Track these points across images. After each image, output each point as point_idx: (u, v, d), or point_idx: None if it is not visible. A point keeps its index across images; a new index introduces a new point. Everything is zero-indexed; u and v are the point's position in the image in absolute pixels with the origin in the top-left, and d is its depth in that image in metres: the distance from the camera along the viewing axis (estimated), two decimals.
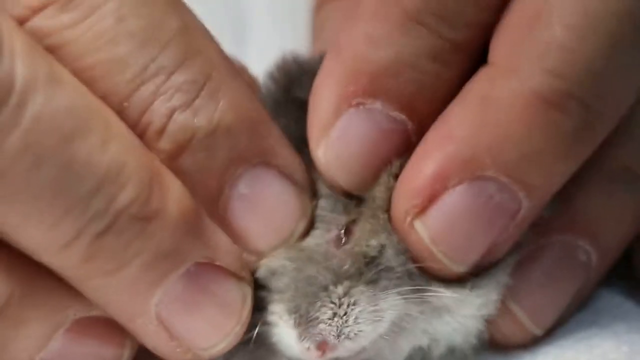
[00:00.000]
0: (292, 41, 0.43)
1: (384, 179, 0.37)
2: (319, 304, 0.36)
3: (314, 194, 0.37)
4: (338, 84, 0.36)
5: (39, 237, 0.32)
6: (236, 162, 0.35)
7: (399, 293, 0.36)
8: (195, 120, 0.34)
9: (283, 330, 0.37)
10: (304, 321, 0.36)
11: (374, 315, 0.36)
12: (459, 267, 0.36)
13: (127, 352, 0.36)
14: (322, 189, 0.38)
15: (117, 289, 0.33)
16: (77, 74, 0.33)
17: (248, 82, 0.38)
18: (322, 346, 0.36)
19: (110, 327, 0.35)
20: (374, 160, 0.37)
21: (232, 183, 0.35)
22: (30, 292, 0.33)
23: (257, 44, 0.61)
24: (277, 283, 0.37)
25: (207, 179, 0.35)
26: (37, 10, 0.33)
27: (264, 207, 0.36)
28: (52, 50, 0.32)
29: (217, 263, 0.34)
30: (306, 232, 0.37)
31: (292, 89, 0.40)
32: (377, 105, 0.36)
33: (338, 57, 0.36)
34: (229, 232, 0.36)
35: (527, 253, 0.38)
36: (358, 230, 0.37)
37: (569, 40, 0.34)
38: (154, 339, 0.35)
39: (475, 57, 0.36)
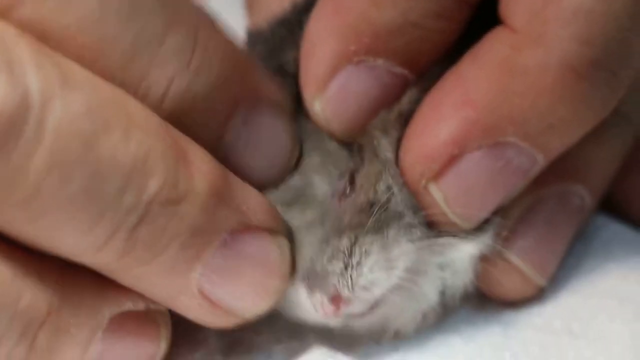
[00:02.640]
0: None
1: (383, 125, 0.37)
2: (327, 256, 0.35)
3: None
4: (337, 42, 0.36)
5: (75, 243, 0.31)
6: (233, 110, 0.35)
7: (409, 240, 0.36)
8: (196, 81, 0.33)
9: (293, 287, 0.36)
10: (314, 275, 0.35)
11: (387, 263, 0.36)
12: (469, 225, 0.37)
13: (163, 344, 0.36)
14: (317, 142, 0.37)
15: (157, 274, 0.33)
16: (74, 53, 0.32)
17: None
18: (336, 300, 0.35)
19: (144, 320, 0.35)
20: (375, 113, 0.37)
21: (230, 129, 0.35)
22: (67, 298, 0.33)
23: None
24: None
25: (209, 133, 0.35)
26: None
27: (258, 142, 0.36)
28: (42, 36, 0.32)
29: (252, 224, 0.34)
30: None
31: (273, 57, 0.39)
32: (379, 62, 0.36)
33: (337, 15, 0.36)
34: (234, 170, 0.35)
35: (526, 206, 0.39)
36: (361, 178, 0.37)
37: (595, 4, 0.34)
38: (198, 312, 0.35)
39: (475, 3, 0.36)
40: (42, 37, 0.32)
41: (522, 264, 0.38)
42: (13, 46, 0.30)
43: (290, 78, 0.38)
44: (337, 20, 0.36)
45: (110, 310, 0.34)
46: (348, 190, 0.37)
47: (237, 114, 0.35)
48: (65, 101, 0.30)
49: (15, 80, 0.29)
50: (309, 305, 0.36)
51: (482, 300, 0.40)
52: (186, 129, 0.34)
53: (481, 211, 0.36)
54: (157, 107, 0.33)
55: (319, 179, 0.37)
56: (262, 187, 0.36)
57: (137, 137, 0.31)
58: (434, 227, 0.37)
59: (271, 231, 0.35)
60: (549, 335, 0.38)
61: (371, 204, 0.36)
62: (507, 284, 0.39)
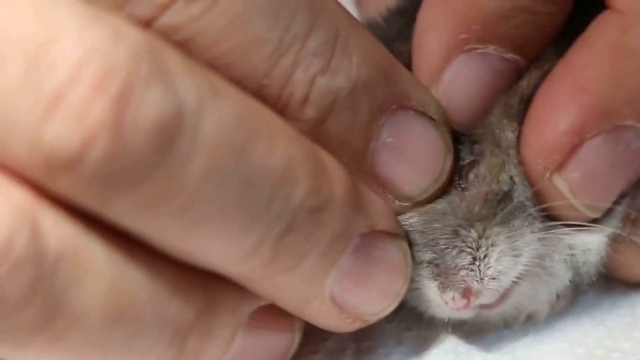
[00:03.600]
0: None
1: (501, 114, 0.37)
2: (455, 250, 0.36)
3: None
4: (448, 32, 0.36)
5: (225, 252, 0.32)
6: (377, 114, 0.35)
7: (532, 231, 0.36)
8: (336, 82, 0.33)
9: (422, 284, 0.37)
10: (443, 271, 0.36)
11: (513, 252, 0.36)
12: (596, 214, 0.37)
13: (297, 335, 0.37)
14: None
15: (294, 282, 0.33)
16: (212, 63, 0.32)
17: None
18: (467, 293, 0.36)
19: (279, 313, 0.35)
20: (489, 100, 0.37)
21: (376, 135, 0.35)
22: (212, 301, 0.33)
23: None
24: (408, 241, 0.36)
25: (353, 138, 0.34)
26: (166, 7, 0.31)
27: (410, 150, 0.36)
28: (184, 44, 0.32)
29: (378, 228, 0.34)
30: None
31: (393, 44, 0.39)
32: (490, 48, 0.36)
33: (446, 5, 0.36)
34: (380, 184, 0.36)
35: None
36: (483, 169, 0.37)
37: None
38: (325, 317, 0.35)
39: None
40: (185, 44, 0.32)
41: None
42: (165, 56, 0.30)
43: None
44: (446, 10, 0.36)
45: (249, 307, 0.35)
46: (472, 180, 0.37)
47: (383, 121, 0.35)
48: (217, 110, 0.30)
49: (170, 90, 0.29)
50: (440, 302, 0.36)
51: (609, 282, 0.40)
52: (330, 134, 0.34)
53: (607, 197, 0.37)
54: (300, 112, 0.33)
55: None
56: (411, 198, 0.36)
57: (281, 146, 0.32)
58: (555, 220, 0.37)
59: (394, 235, 0.36)
60: None
61: (495, 195, 0.37)
62: (634, 266, 0.39)
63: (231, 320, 0.34)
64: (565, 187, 0.36)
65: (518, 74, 0.37)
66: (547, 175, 0.36)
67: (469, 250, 0.36)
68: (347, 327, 0.36)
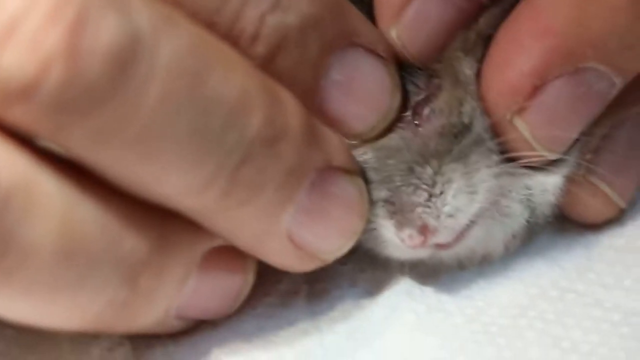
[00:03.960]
0: None
1: (459, 49, 0.37)
2: (411, 188, 0.35)
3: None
4: None
5: (180, 183, 0.31)
6: (327, 51, 0.34)
7: (489, 166, 0.36)
8: (286, 19, 0.33)
9: (378, 224, 0.36)
10: (399, 208, 0.35)
11: (469, 189, 0.36)
12: (554, 156, 0.37)
13: (250, 277, 0.36)
14: None
15: (252, 216, 0.33)
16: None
17: None
18: (424, 230, 0.35)
19: (232, 254, 0.35)
20: (450, 39, 0.37)
21: (325, 72, 0.35)
22: (165, 239, 0.33)
23: None
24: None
25: (302, 75, 0.34)
26: None
27: (358, 87, 0.35)
28: None
29: (334, 164, 0.34)
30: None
31: None
32: None
33: None
34: (328, 122, 0.35)
35: (605, 129, 0.39)
36: (441, 102, 0.36)
37: None
38: (282, 255, 0.35)
39: None
40: None
41: (605, 186, 0.38)
42: None
43: (364, 6, 0.38)
44: None
45: (202, 247, 0.34)
46: (427, 115, 0.37)
47: (332, 58, 0.35)
48: (172, 38, 0.30)
49: (125, 17, 0.29)
50: (397, 241, 0.36)
51: (564, 223, 0.40)
52: (280, 71, 0.33)
53: (566, 140, 0.36)
54: (250, 48, 0.33)
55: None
56: (359, 135, 0.36)
57: (236, 76, 0.31)
58: (514, 156, 0.37)
59: (350, 171, 0.35)
60: (632, 254, 0.39)
61: (452, 128, 0.36)
62: (590, 206, 0.39)
63: (185, 259, 0.34)
64: (526, 129, 0.36)
65: (480, 12, 0.37)
66: (509, 116, 0.36)
67: (425, 187, 0.35)
68: (303, 266, 0.36)
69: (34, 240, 0.29)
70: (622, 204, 0.39)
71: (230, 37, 0.32)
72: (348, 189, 0.35)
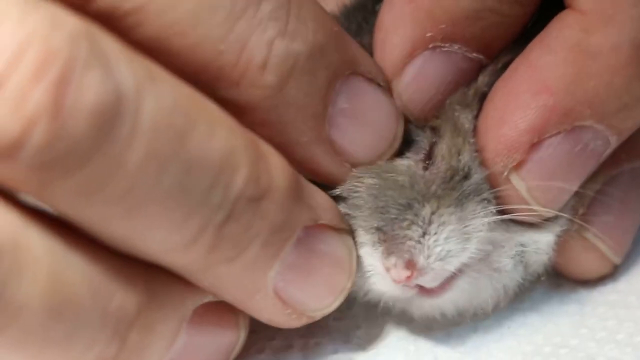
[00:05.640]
0: None
1: (458, 102, 0.37)
2: (406, 222, 0.35)
3: None
4: (413, 28, 0.36)
5: (164, 240, 0.31)
6: (333, 79, 0.34)
7: (484, 216, 0.36)
8: (294, 46, 0.33)
9: (365, 251, 0.36)
10: (390, 237, 0.35)
11: (462, 236, 0.36)
12: (550, 213, 0.37)
13: (243, 333, 0.36)
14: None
15: (238, 272, 0.33)
16: (165, 32, 0.31)
17: None
18: (410, 265, 0.35)
19: (224, 310, 0.35)
20: (450, 94, 0.37)
21: (333, 101, 0.35)
22: (155, 295, 0.33)
23: None
24: (359, 202, 0.36)
25: (312, 103, 0.34)
26: None
27: (365, 115, 0.36)
28: (134, 13, 0.31)
29: (321, 222, 0.34)
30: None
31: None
32: (456, 47, 0.36)
33: (411, 2, 0.36)
34: (337, 150, 0.35)
35: (598, 186, 0.39)
36: (443, 149, 0.37)
37: None
38: (270, 311, 0.35)
39: None
40: (134, 14, 0.31)
41: (599, 242, 0.38)
42: (102, 42, 0.30)
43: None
44: (411, 7, 0.36)
45: (193, 303, 0.34)
46: (429, 161, 0.37)
47: (339, 86, 0.34)
48: (156, 95, 0.30)
49: (109, 75, 0.29)
50: (381, 269, 0.36)
51: (558, 279, 0.40)
52: (289, 100, 0.33)
53: (561, 196, 0.37)
54: (260, 78, 0.32)
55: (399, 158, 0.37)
56: (367, 162, 0.36)
57: (221, 133, 0.31)
58: (510, 210, 0.37)
59: (339, 230, 0.35)
60: (624, 309, 0.39)
61: (453, 174, 0.36)
62: (585, 263, 0.39)
63: (174, 315, 0.34)
64: (522, 187, 0.36)
65: (479, 71, 0.37)
66: (505, 173, 0.36)
67: (420, 224, 0.36)
68: (292, 322, 0.35)
69: (22, 298, 0.29)
70: (617, 261, 0.39)
71: (238, 67, 0.32)
72: (336, 246, 0.35)
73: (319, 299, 0.35)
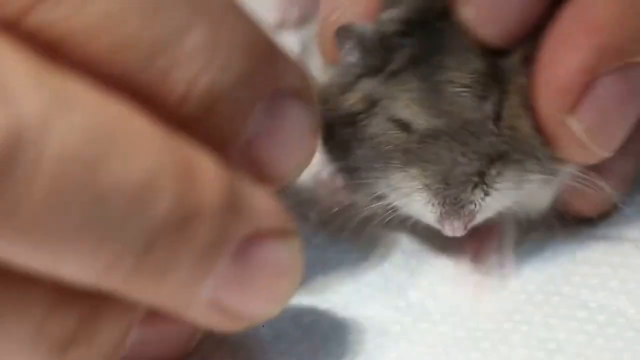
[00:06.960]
0: None
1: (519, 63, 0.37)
2: (471, 184, 0.36)
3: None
4: None
5: (78, 270, 0.29)
6: (256, 101, 0.33)
7: (539, 172, 0.37)
8: (218, 78, 0.31)
9: (417, 198, 0.37)
10: (451, 201, 0.36)
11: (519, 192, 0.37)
12: (608, 154, 0.37)
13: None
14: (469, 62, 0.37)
15: (165, 292, 0.31)
16: (85, 61, 0.30)
17: None
18: (468, 222, 0.36)
19: None
20: (526, 20, 0.36)
21: (253, 122, 0.33)
22: (96, 307, 0.31)
23: None
24: (425, 150, 0.36)
25: (232, 129, 0.32)
26: (35, 5, 0.29)
27: (285, 133, 0.34)
28: (58, 41, 0.29)
29: (261, 231, 0.32)
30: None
31: None
32: None
33: None
34: (257, 170, 0.33)
35: None
36: (508, 106, 0.37)
37: None
38: (208, 320, 0.33)
39: None
40: (55, 45, 0.30)
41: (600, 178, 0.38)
42: (9, 68, 0.28)
43: None
44: None
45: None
46: (497, 115, 0.37)
47: (261, 105, 0.33)
48: (64, 124, 0.28)
49: (9, 106, 0.27)
50: (436, 222, 0.37)
51: (551, 230, 0.40)
52: (209, 127, 0.32)
53: (619, 137, 0.36)
54: (179, 108, 0.31)
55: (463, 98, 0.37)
56: (287, 179, 0.35)
57: (141, 156, 0.29)
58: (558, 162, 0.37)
59: (281, 233, 0.33)
60: (617, 256, 0.39)
61: (517, 132, 0.36)
62: (585, 199, 0.39)
63: (122, 321, 0.32)
64: (580, 128, 0.36)
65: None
66: (561, 116, 0.36)
67: (484, 188, 0.36)
68: (231, 328, 0.34)
69: None
70: (616, 197, 0.39)
71: (158, 98, 0.31)
72: (278, 254, 0.32)
73: (258, 306, 0.33)
